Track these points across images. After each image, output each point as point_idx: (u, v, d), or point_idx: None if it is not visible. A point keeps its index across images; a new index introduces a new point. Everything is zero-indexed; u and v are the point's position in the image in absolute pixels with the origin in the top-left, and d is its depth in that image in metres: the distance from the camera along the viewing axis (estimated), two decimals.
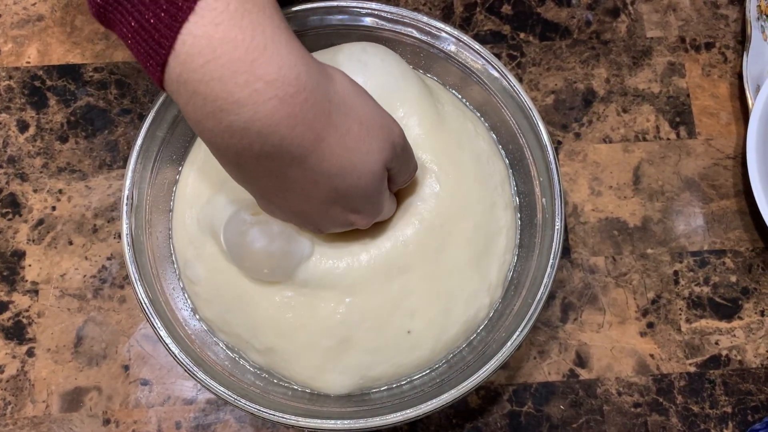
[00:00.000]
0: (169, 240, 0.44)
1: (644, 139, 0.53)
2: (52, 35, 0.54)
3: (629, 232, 0.52)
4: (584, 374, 0.49)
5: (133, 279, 0.40)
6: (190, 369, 0.39)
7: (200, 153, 0.44)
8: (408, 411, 0.38)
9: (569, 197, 0.52)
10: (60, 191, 0.51)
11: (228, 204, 0.41)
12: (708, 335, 0.50)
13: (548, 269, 0.40)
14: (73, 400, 0.47)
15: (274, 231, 0.39)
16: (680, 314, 0.50)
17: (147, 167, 0.43)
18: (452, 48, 0.44)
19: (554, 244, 0.40)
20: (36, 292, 0.49)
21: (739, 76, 0.54)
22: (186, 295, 0.44)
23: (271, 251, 0.39)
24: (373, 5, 0.44)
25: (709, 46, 0.56)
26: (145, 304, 0.40)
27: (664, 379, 0.49)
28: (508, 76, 0.43)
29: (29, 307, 0.49)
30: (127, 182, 0.42)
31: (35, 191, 0.51)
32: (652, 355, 0.49)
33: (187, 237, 0.43)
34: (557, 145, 0.53)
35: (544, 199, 0.42)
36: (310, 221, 0.37)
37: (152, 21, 0.28)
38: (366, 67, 0.42)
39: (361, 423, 0.38)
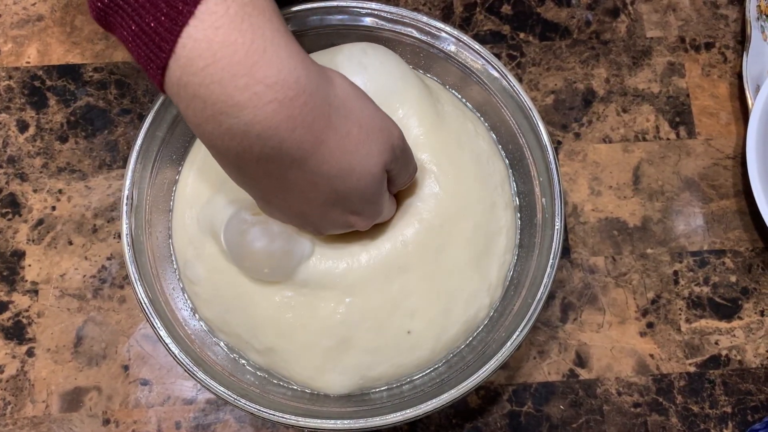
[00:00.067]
0: (168, 240, 0.44)
1: (644, 139, 0.53)
2: (52, 35, 0.54)
3: (629, 232, 0.52)
4: (584, 374, 0.49)
5: (133, 279, 0.40)
6: (190, 369, 0.39)
7: (200, 153, 0.44)
8: (408, 411, 0.38)
9: (569, 197, 0.52)
10: (60, 191, 0.51)
11: (228, 204, 0.41)
12: (708, 335, 0.50)
13: (548, 269, 0.40)
14: (73, 400, 0.47)
15: (275, 231, 0.39)
16: (680, 314, 0.50)
17: (147, 167, 0.43)
18: (452, 48, 0.44)
19: (554, 244, 0.40)
20: (36, 292, 0.49)
21: (739, 76, 0.54)
22: (186, 295, 0.44)
23: (271, 251, 0.39)
24: (373, 5, 0.44)
25: (708, 46, 0.56)
26: (145, 304, 0.40)
27: (663, 379, 0.49)
28: (508, 76, 0.43)
29: (29, 307, 0.49)
30: (127, 182, 0.42)
31: (35, 191, 0.51)
32: (651, 355, 0.49)
33: (187, 237, 0.43)
34: (557, 145, 0.53)
35: (543, 199, 0.42)
36: (310, 223, 0.37)
37: (153, 25, 0.28)
38: (365, 69, 0.42)
39: (361, 423, 0.38)
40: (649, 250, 0.51)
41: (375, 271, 0.40)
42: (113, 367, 0.48)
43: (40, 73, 0.53)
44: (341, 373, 0.41)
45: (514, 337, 0.39)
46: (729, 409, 0.49)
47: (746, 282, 0.51)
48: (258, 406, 0.38)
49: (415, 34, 0.44)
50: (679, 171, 0.53)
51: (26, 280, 0.49)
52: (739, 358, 0.49)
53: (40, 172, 0.51)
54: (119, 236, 0.49)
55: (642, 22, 0.56)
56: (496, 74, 0.43)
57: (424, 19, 0.44)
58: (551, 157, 0.42)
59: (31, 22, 0.54)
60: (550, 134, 0.47)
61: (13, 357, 0.48)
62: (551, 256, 0.40)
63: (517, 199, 0.45)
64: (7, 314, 0.49)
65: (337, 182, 0.33)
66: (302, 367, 0.41)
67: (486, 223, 0.43)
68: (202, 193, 0.43)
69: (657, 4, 0.56)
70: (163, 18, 0.28)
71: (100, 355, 0.48)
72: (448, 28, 0.44)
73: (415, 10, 0.49)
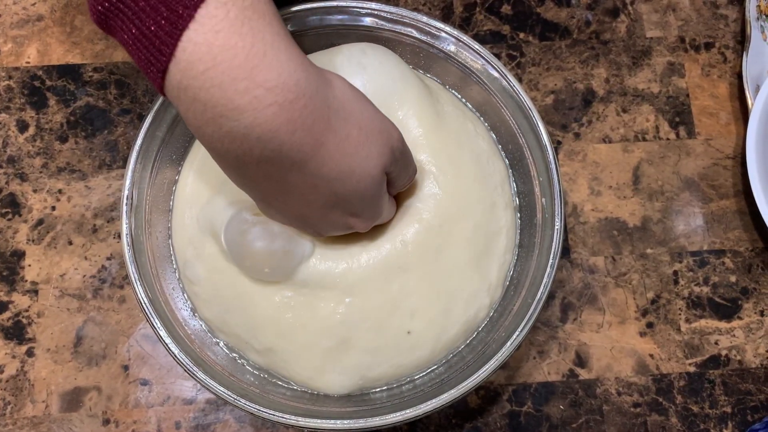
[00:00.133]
0: (168, 240, 0.44)
1: (644, 139, 0.53)
2: (52, 35, 0.54)
3: (629, 232, 0.52)
4: (584, 374, 0.49)
5: (133, 279, 0.40)
6: (190, 369, 0.39)
7: (199, 153, 0.44)
8: (408, 411, 0.38)
9: (569, 197, 0.52)
10: (60, 191, 0.51)
11: (228, 205, 0.41)
12: (707, 335, 0.50)
13: (548, 269, 0.40)
14: (73, 400, 0.47)
15: (275, 230, 0.39)
16: (680, 314, 0.50)
17: (147, 167, 0.43)
18: (452, 48, 0.44)
19: (554, 244, 0.40)
20: (36, 292, 0.49)
21: (739, 76, 0.54)
22: (185, 295, 0.44)
23: (272, 250, 0.39)
24: (373, 5, 0.44)
25: (708, 46, 0.56)
26: (145, 304, 0.40)
27: (663, 379, 0.49)
28: (508, 76, 0.43)
29: (29, 307, 0.49)
30: (127, 182, 0.42)
31: (35, 191, 0.51)
32: (651, 355, 0.49)
33: (187, 237, 0.43)
34: (557, 145, 0.53)
35: (543, 199, 0.42)
36: (310, 225, 0.37)
37: (153, 28, 0.28)
38: (365, 69, 0.42)
39: (361, 423, 0.38)
40: (648, 250, 0.51)
41: (375, 271, 0.40)
42: (113, 367, 0.48)
43: (40, 73, 0.53)
44: (341, 373, 0.41)
45: (514, 337, 0.39)
46: (729, 409, 0.49)
47: (746, 282, 0.51)
48: (258, 406, 0.38)
49: (415, 34, 0.44)
50: (678, 171, 0.53)
51: (26, 280, 0.49)
52: (738, 358, 0.49)
53: (40, 172, 0.51)
54: (119, 236, 0.49)
55: (642, 22, 0.56)
56: (495, 74, 0.43)
57: (424, 19, 0.44)
58: (551, 157, 0.42)
59: (31, 22, 0.54)
60: (550, 134, 0.47)
61: (13, 357, 0.48)
62: (551, 256, 0.40)
63: (516, 199, 0.45)
64: (6, 314, 0.49)
65: (336, 184, 0.33)
66: (302, 367, 0.41)
67: (486, 223, 0.43)
68: (201, 193, 0.43)
69: (657, 4, 0.56)
70: (163, 22, 0.28)
71: (99, 355, 0.48)
72: (447, 28, 0.44)
73: (415, 10, 0.49)
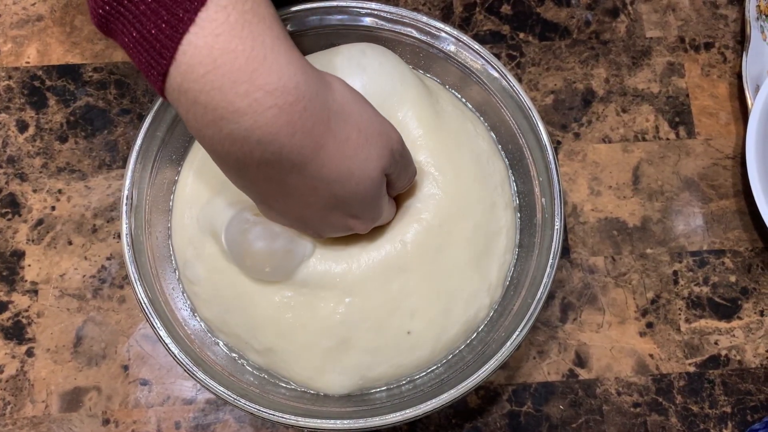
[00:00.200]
0: (168, 240, 0.44)
1: (644, 139, 0.53)
2: (52, 35, 0.54)
3: (629, 232, 0.52)
4: (584, 374, 0.49)
5: (133, 279, 0.40)
6: (190, 369, 0.39)
7: (199, 153, 0.44)
8: (408, 411, 0.38)
9: (569, 197, 0.52)
10: (59, 191, 0.51)
11: (228, 205, 0.41)
12: (707, 335, 0.50)
13: (548, 269, 0.40)
14: (73, 400, 0.47)
15: (276, 230, 0.39)
16: (680, 314, 0.50)
17: (146, 167, 0.43)
18: (452, 48, 0.44)
19: (554, 244, 0.40)
20: (35, 292, 0.49)
21: (739, 76, 0.54)
22: (185, 295, 0.44)
23: (273, 249, 0.39)
24: (373, 5, 0.44)
25: (708, 46, 0.56)
26: (145, 304, 0.40)
27: (663, 379, 0.49)
28: (508, 76, 0.43)
29: (29, 307, 0.49)
30: (127, 182, 0.42)
31: (35, 191, 0.51)
32: (651, 355, 0.49)
33: (187, 237, 0.43)
34: (557, 145, 0.53)
35: (543, 199, 0.42)
36: (310, 226, 0.38)
37: (153, 32, 0.28)
38: (364, 70, 0.42)
39: (361, 423, 0.38)
40: (648, 250, 0.51)
41: (375, 272, 0.40)
42: (113, 367, 0.48)
43: (40, 73, 0.53)
44: (341, 373, 0.41)
45: (514, 337, 0.39)
46: (728, 409, 0.49)
47: (746, 282, 0.51)
48: (258, 406, 0.38)
49: (415, 34, 0.44)
50: (678, 171, 0.53)
51: (26, 280, 0.49)
52: (738, 358, 0.49)
53: (40, 172, 0.51)
54: (119, 236, 0.49)
55: (641, 22, 0.56)
56: (495, 74, 0.43)
57: (424, 19, 0.44)
58: (551, 157, 0.42)
59: (31, 22, 0.54)
60: (550, 134, 0.47)
61: (13, 357, 0.48)
62: (551, 256, 0.40)
63: (516, 199, 0.45)
64: (6, 314, 0.49)
65: (336, 187, 0.33)
66: (302, 367, 0.41)
67: (486, 223, 0.43)
68: (201, 193, 0.43)
69: (657, 4, 0.56)
70: (163, 25, 0.28)
71: (99, 355, 0.48)
72: (447, 28, 0.44)
73: (415, 10, 0.49)
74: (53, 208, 0.51)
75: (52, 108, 0.53)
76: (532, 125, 0.42)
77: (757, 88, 0.52)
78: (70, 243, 0.50)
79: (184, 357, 0.39)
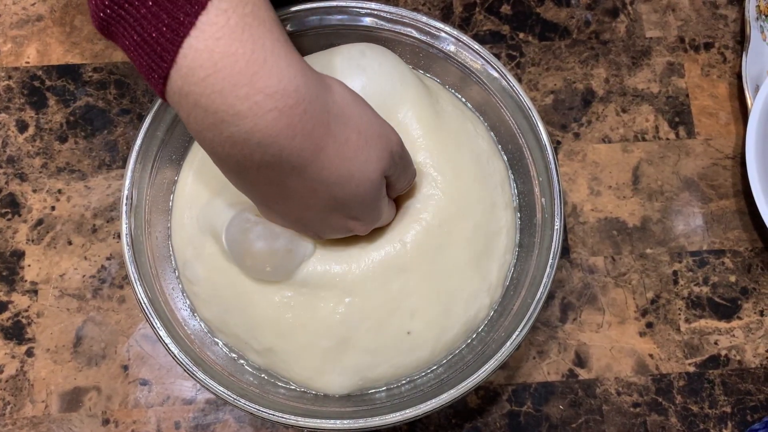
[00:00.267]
0: (168, 240, 0.44)
1: (643, 139, 0.53)
2: (52, 35, 0.54)
3: (628, 232, 0.52)
4: (583, 374, 0.49)
5: (133, 279, 0.40)
6: (190, 369, 0.39)
7: (199, 153, 0.44)
8: (407, 411, 0.38)
9: (568, 197, 0.52)
10: (59, 191, 0.51)
11: (229, 205, 0.41)
12: (707, 335, 0.50)
13: (547, 269, 0.40)
14: (73, 400, 0.47)
15: (277, 230, 0.39)
16: (679, 314, 0.50)
17: (146, 167, 0.43)
18: (451, 48, 0.44)
19: (553, 244, 0.40)
20: (35, 292, 0.49)
21: (738, 76, 0.54)
22: (185, 295, 0.44)
23: (274, 249, 0.39)
24: (373, 5, 0.44)
25: (708, 46, 0.56)
26: (145, 304, 0.40)
27: (663, 379, 0.49)
28: (508, 76, 0.43)
29: (28, 307, 0.49)
30: (127, 182, 0.42)
31: (34, 191, 0.51)
32: (651, 355, 0.49)
33: (186, 237, 0.43)
34: (556, 145, 0.53)
35: (543, 199, 0.42)
36: (310, 228, 0.38)
37: (154, 35, 0.29)
38: (364, 71, 0.42)
39: (361, 423, 0.38)
40: (648, 250, 0.51)
41: (375, 272, 0.40)
42: (113, 367, 0.48)
43: (40, 73, 0.53)
44: (341, 373, 0.41)
45: (514, 337, 0.39)
46: (728, 409, 0.49)
47: (746, 282, 0.51)
48: (257, 406, 0.38)
49: (415, 34, 0.44)
50: (678, 171, 0.53)
51: (26, 280, 0.49)
52: (738, 358, 0.49)
53: (40, 172, 0.51)
54: (119, 236, 0.49)
55: (641, 22, 0.56)
56: (495, 74, 0.43)
57: (424, 19, 0.44)
58: (551, 157, 0.42)
59: (31, 22, 0.54)
60: (550, 134, 0.47)
61: (13, 357, 0.48)
62: (551, 256, 0.40)
63: (516, 199, 0.45)
64: (6, 314, 0.49)
65: (336, 189, 0.33)
66: (302, 367, 0.41)
67: (486, 223, 0.43)
68: (201, 194, 0.43)
69: (656, 4, 0.56)
70: (164, 29, 0.28)
71: (99, 355, 0.48)
72: (447, 28, 0.44)
73: (415, 10, 0.49)
74: (53, 208, 0.51)
75: (52, 108, 0.53)
76: (532, 125, 0.42)
77: (756, 88, 0.52)
78: (69, 243, 0.50)
79: (183, 357, 0.39)
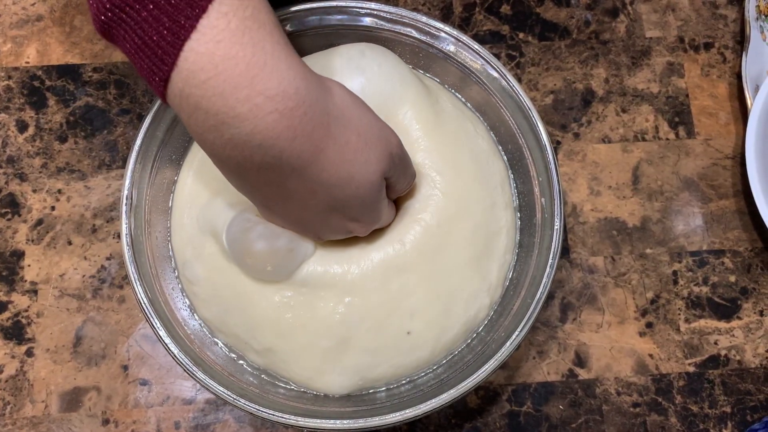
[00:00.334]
0: (168, 240, 0.44)
1: (643, 139, 0.53)
2: (51, 35, 0.54)
3: (628, 232, 0.52)
4: (583, 374, 0.49)
5: (133, 279, 0.40)
6: (189, 369, 0.39)
7: (199, 153, 0.44)
8: (407, 411, 0.38)
9: (568, 197, 0.52)
10: (59, 191, 0.51)
11: (229, 206, 0.41)
12: (707, 335, 0.50)
13: (547, 269, 0.40)
14: (72, 400, 0.47)
15: (279, 229, 0.39)
16: (679, 314, 0.50)
17: (146, 167, 0.43)
18: (451, 48, 0.44)
19: (553, 244, 0.40)
20: (35, 292, 0.49)
21: (738, 76, 0.54)
22: (185, 295, 0.44)
23: (276, 248, 0.39)
24: (372, 5, 0.44)
25: (708, 47, 0.56)
26: (145, 304, 0.40)
27: (663, 379, 0.49)
28: (507, 76, 0.43)
29: (28, 307, 0.49)
30: (127, 182, 0.42)
31: (34, 191, 0.51)
32: (651, 355, 0.49)
33: (186, 237, 0.43)
34: (556, 145, 0.53)
35: (543, 199, 0.42)
36: (310, 229, 0.38)
37: (155, 38, 0.29)
38: (363, 71, 0.42)
39: (361, 423, 0.38)
40: (648, 250, 0.51)
41: (375, 271, 0.40)
42: (112, 367, 0.48)
43: (40, 73, 0.53)
44: (340, 374, 0.41)
45: (514, 337, 0.39)
46: (728, 409, 0.49)
47: (745, 282, 0.51)
48: (257, 406, 0.38)
49: (415, 34, 0.44)
50: (678, 171, 0.53)
51: (25, 280, 0.49)
52: (738, 358, 0.49)
53: (40, 172, 0.51)
54: (118, 236, 0.49)
55: (641, 22, 0.56)
56: (495, 74, 0.43)
57: (424, 19, 0.44)
58: (550, 157, 0.42)
59: (31, 22, 0.54)
60: (550, 134, 0.47)
61: (13, 357, 0.48)
62: (550, 256, 0.40)
63: (516, 198, 0.45)
64: (6, 314, 0.49)
65: (336, 190, 0.34)
66: (301, 368, 0.41)
67: (486, 223, 0.43)
68: (201, 193, 0.43)
69: (656, 4, 0.56)
70: (165, 32, 0.28)
71: (99, 355, 0.48)
72: (447, 28, 0.44)
73: (415, 10, 0.49)
74: (53, 208, 0.51)
75: (52, 108, 0.53)
76: (532, 125, 0.42)
77: (756, 88, 0.52)
78: (69, 243, 0.50)
79: (183, 357, 0.39)
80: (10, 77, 0.53)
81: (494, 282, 0.43)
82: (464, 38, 0.44)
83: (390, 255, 0.41)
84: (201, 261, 0.42)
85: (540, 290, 0.40)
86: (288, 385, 0.42)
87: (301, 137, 0.31)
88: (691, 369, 0.49)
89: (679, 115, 0.54)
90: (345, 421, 0.38)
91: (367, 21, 0.44)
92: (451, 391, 0.38)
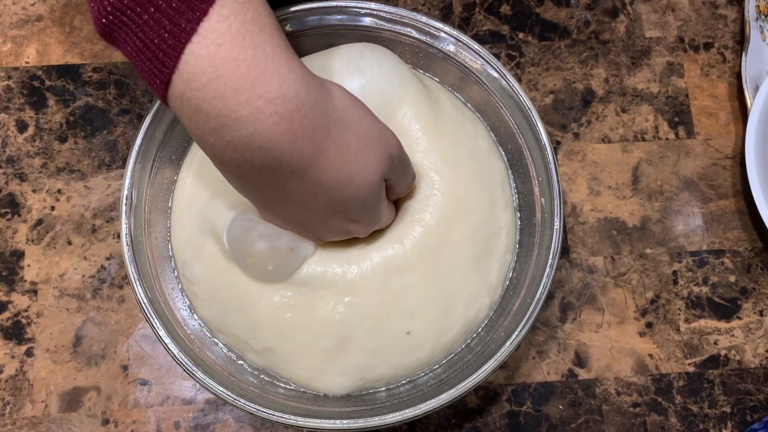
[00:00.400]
0: (168, 240, 0.44)
1: (643, 139, 0.53)
2: (51, 35, 0.54)
3: (628, 232, 0.52)
4: (583, 374, 0.49)
5: (132, 279, 0.40)
6: (189, 369, 0.39)
7: (198, 153, 0.44)
8: (407, 411, 0.38)
9: (568, 197, 0.52)
10: (59, 191, 0.51)
11: (229, 206, 0.41)
12: (707, 335, 0.50)
13: (547, 269, 0.40)
14: (72, 400, 0.47)
15: (279, 229, 0.39)
16: (679, 314, 0.50)
17: (146, 167, 0.43)
18: (451, 48, 0.44)
19: (553, 244, 0.40)
20: (35, 292, 0.49)
21: (738, 76, 0.54)
22: (185, 295, 0.44)
23: (277, 247, 0.39)
24: (372, 5, 0.44)
25: (707, 47, 0.56)
26: (144, 304, 0.40)
27: (663, 379, 0.49)
28: (507, 76, 0.43)
29: (28, 307, 0.49)
30: (126, 182, 0.42)
31: (34, 191, 0.51)
32: (651, 355, 0.49)
33: (186, 237, 0.43)
34: (556, 145, 0.53)
35: (543, 199, 0.42)
36: (310, 230, 0.38)
37: (156, 41, 0.29)
38: (363, 72, 0.42)
39: (360, 423, 0.38)
40: (648, 250, 0.51)
41: (374, 271, 0.40)
42: (112, 367, 0.48)
43: (40, 73, 0.53)
44: (340, 374, 0.41)
45: (513, 337, 0.39)
46: (728, 409, 0.49)
47: (745, 282, 0.51)
48: (257, 406, 0.38)
49: (414, 34, 0.44)
50: (678, 171, 0.53)
51: (25, 280, 0.49)
52: (738, 358, 0.49)
53: (40, 172, 0.51)
54: (118, 236, 0.49)
55: (641, 22, 0.56)
56: (495, 74, 0.43)
57: (423, 19, 0.44)
58: (550, 157, 0.42)
59: (31, 22, 0.54)
60: (549, 134, 0.47)
61: (12, 357, 0.48)
62: (550, 256, 0.40)
63: (516, 198, 0.45)
64: (6, 314, 0.49)
65: (336, 192, 0.34)
66: (301, 368, 0.41)
67: (486, 223, 0.43)
68: (200, 194, 0.43)
69: (656, 4, 0.56)
70: (166, 35, 0.29)
71: (99, 355, 0.48)
72: (447, 28, 0.44)
73: (414, 10, 0.49)
74: (53, 208, 0.51)
75: (52, 108, 0.53)
76: (532, 125, 0.42)
77: (756, 88, 0.52)
78: (69, 243, 0.50)
79: (183, 357, 0.39)
80: (10, 77, 0.53)
81: (494, 282, 0.43)
82: (464, 38, 0.44)
83: (390, 255, 0.41)
84: (201, 261, 0.42)
85: (540, 290, 0.40)
86: (288, 385, 0.42)
87: (301, 139, 0.31)
88: (691, 369, 0.49)
89: (678, 115, 0.54)
90: (345, 421, 0.38)
91: (367, 21, 0.44)
92: (451, 391, 0.38)
